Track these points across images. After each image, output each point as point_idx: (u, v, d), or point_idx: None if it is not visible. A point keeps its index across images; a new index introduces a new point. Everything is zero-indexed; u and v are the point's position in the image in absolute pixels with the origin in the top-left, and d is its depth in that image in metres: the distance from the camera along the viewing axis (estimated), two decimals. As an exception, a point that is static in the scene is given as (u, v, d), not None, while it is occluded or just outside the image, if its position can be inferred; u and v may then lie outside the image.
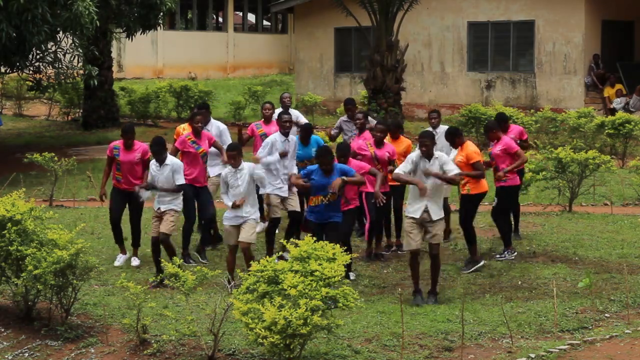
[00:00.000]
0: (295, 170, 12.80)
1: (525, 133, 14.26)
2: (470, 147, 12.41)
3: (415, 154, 11.11)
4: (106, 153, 12.92)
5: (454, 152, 12.44)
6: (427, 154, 10.90)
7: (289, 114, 13.47)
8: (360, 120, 13.54)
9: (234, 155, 11.27)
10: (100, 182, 12.95)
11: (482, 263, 12.20)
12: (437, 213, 10.88)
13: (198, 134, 12.82)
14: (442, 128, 13.54)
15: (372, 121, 14.82)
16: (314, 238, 8.68)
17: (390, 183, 12.88)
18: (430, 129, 13.76)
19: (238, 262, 11.35)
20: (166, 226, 11.63)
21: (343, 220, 11.46)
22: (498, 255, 12.77)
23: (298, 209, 12.72)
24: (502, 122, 13.64)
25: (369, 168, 12.06)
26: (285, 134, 12.81)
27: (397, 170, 11.17)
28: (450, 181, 11.11)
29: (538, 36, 27.58)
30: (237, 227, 11.23)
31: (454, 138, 12.47)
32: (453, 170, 10.95)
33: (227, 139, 13.56)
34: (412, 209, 10.91)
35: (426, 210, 10.83)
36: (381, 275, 12.17)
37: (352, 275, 11.76)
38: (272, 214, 12.59)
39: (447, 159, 11.07)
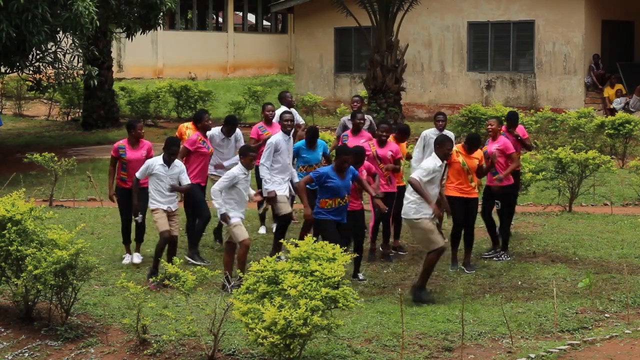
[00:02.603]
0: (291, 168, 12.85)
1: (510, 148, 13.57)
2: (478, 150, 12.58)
3: (437, 164, 10.99)
4: (110, 153, 12.92)
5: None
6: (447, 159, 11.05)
7: (291, 112, 13.48)
8: (360, 121, 13.60)
9: (253, 157, 11.41)
10: (108, 183, 12.89)
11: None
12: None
13: (205, 132, 12.93)
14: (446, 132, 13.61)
15: (368, 118, 14.98)
16: (317, 237, 8.73)
17: (398, 184, 12.91)
18: (434, 130, 13.78)
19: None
20: (177, 227, 11.79)
21: (355, 219, 11.56)
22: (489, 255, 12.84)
23: (287, 211, 12.67)
24: (514, 120, 13.74)
25: (374, 171, 12.16)
26: (287, 132, 12.84)
27: (415, 176, 10.91)
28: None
29: (538, 36, 27.59)
30: None
31: (478, 144, 12.48)
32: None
33: (242, 144, 13.64)
34: (425, 208, 10.87)
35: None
36: (381, 275, 12.17)
37: (360, 276, 11.83)
38: (281, 211, 12.48)
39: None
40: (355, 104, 15.04)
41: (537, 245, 13.46)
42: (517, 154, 13.19)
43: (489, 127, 13.06)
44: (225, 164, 13.28)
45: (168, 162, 11.71)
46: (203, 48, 40.99)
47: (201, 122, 13.02)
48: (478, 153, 12.45)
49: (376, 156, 12.70)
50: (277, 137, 12.82)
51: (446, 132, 13.69)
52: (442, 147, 11.04)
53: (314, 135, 13.25)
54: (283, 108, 15.03)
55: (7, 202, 10.06)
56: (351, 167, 11.36)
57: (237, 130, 13.76)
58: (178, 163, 11.85)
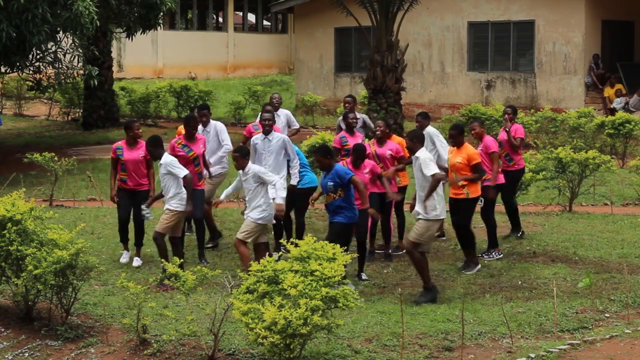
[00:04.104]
0: (282, 168, 12.81)
1: (493, 147, 13.06)
2: (470, 148, 12.24)
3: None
4: (110, 155, 12.94)
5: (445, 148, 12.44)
6: (411, 153, 11.01)
7: (270, 112, 13.37)
8: (352, 120, 13.58)
9: (235, 158, 11.34)
10: (109, 184, 12.87)
11: (479, 267, 12.18)
12: (418, 212, 10.91)
13: (191, 138, 12.73)
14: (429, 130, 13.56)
15: (362, 117, 14.98)
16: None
17: (399, 185, 12.94)
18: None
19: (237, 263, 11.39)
20: (159, 224, 11.70)
21: (361, 220, 11.54)
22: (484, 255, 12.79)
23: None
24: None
25: (380, 172, 12.14)
26: (266, 132, 12.77)
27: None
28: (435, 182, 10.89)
29: (538, 36, 27.59)
30: None
31: (459, 135, 12.29)
32: (431, 172, 10.80)
33: (226, 138, 13.64)
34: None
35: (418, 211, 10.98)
36: (381, 275, 12.17)
37: (363, 276, 11.85)
38: None
39: (426, 162, 10.87)
40: (347, 105, 14.94)
41: (537, 245, 13.46)
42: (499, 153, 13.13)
43: (472, 131, 13.04)
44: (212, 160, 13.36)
45: (153, 159, 11.96)
46: (203, 48, 40.99)
47: (187, 126, 12.93)
48: (466, 153, 12.23)
49: (375, 155, 12.69)
50: (255, 137, 12.89)
51: (430, 129, 13.61)
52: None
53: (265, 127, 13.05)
54: (282, 110, 15.14)
55: (7, 202, 10.06)
56: (338, 167, 11.29)
57: (220, 124, 13.80)
58: (164, 160, 11.74)
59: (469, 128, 13.20)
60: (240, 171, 11.40)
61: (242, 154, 11.39)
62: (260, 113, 14.25)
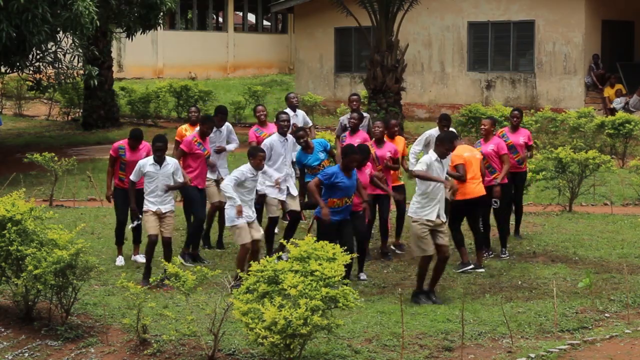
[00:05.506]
0: (287, 170, 12.85)
1: (503, 149, 13.09)
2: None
3: (429, 157, 10.86)
4: (109, 153, 12.90)
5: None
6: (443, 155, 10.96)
7: (286, 113, 13.49)
8: (354, 121, 13.58)
9: (263, 157, 11.38)
10: (106, 183, 12.86)
11: (470, 266, 12.14)
12: (443, 215, 10.91)
13: (204, 136, 12.82)
14: None
15: (366, 117, 15.02)
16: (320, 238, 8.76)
17: (394, 184, 12.93)
18: (436, 130, 13.71)
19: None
20: (170, 229, 11.76)
21: (360, 221, 11.64)
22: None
23: (298, 208, 12.73)
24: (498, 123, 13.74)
25: (375, 173, 12.25)
26: (284, 133, 12.85)
27: (416, 169, 10.90)
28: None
29: (538, 36, 27.59)
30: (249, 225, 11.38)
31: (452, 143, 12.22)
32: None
33: (235, 138, 13.87)
34: (427, 212, 10.73)
35: (438, 215, 10.81)
36: (381, 275, 12.17)
37: (363, 276, 11.85)
38: (270, 214, 12.61)
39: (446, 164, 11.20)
40: (354, 103, 14.93)
41: (537, 245, 13.46)
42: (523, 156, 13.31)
43: (482, 127, 13.05)
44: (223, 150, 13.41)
45: (158, 160, 11.67)
46: (203, 48, 40.98)
47: (204, 125, 12.94)
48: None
49: (375, 158, 12.69)
50: (272, 138, 12.88)
51: (433, 131, 13.56)
52: (441, 145, 10.97)
53: (299, 139, 13.11)
54: (298, 110, 15.28)
55: (7, 202, 10.06)
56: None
57: (228, 124, 13.90)
58: (171, 161, 11.76)
59: (481, 123, 13.24)
60: (249, 172, 11.32)
61: (266, 155, 11.63)
62: (255, 114, 14.40)
